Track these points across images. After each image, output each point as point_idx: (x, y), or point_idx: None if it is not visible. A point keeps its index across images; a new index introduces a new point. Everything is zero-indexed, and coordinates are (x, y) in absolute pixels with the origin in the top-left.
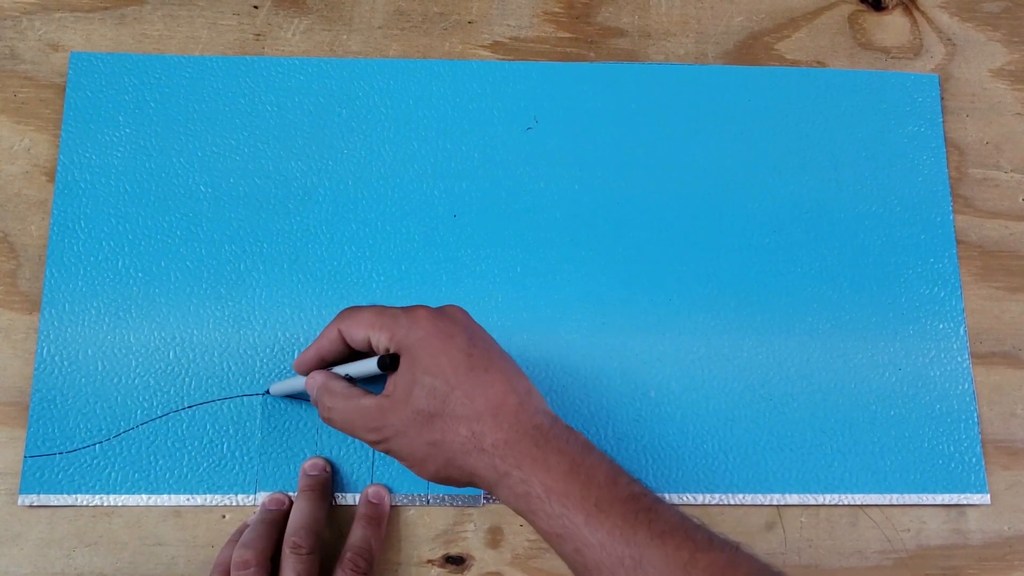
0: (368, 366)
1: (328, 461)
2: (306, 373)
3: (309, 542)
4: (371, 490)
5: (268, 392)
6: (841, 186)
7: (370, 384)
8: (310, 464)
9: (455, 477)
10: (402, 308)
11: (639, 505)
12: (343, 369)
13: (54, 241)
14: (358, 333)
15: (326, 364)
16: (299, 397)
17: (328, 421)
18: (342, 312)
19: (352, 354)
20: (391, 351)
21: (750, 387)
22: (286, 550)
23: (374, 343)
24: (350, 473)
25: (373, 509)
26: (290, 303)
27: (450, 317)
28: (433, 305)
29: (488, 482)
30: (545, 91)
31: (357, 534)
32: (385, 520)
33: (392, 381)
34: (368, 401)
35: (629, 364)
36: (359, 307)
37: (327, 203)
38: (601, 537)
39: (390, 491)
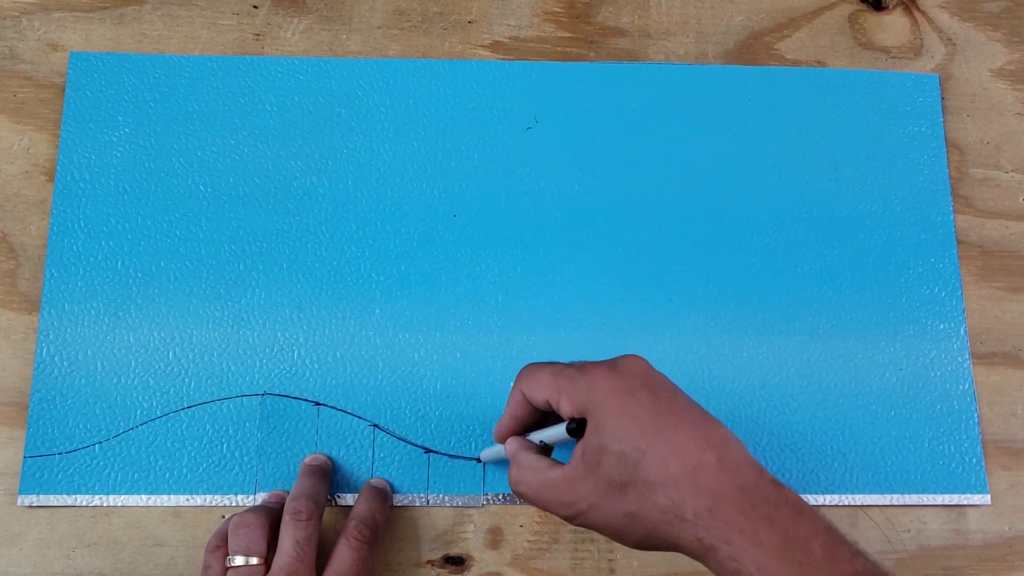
0: (559, 432)
1: (329, 458)
2: (504, 440)
3: (309, 507)
4: (373, 479)
5: (479, 460)
6: (841, 186)
7: (567, 448)
8: (310, 456)
9: (659, 546)
10: (577, 367)
11: None
12: (538, 435)
13: (53, 241)
14: (538, 396)
15: (523, 427)
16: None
17: (518, 495)
18: (522, 371)
19: (547, 413)
20: (575, 416)
21: (750, 387)
22: (286, 517)
23: (555, 406)
24: (350, 473)
25: (377, 484)
26: (290, 303)
27: (628, 371)
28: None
29: (694, 553)
30: (545, 91)
31: (362, 505)
32: (389, 498)
33: (579, 448)
34: (556, 473)
35: None
36: (537, 366)
37: (327, 203)
38: None
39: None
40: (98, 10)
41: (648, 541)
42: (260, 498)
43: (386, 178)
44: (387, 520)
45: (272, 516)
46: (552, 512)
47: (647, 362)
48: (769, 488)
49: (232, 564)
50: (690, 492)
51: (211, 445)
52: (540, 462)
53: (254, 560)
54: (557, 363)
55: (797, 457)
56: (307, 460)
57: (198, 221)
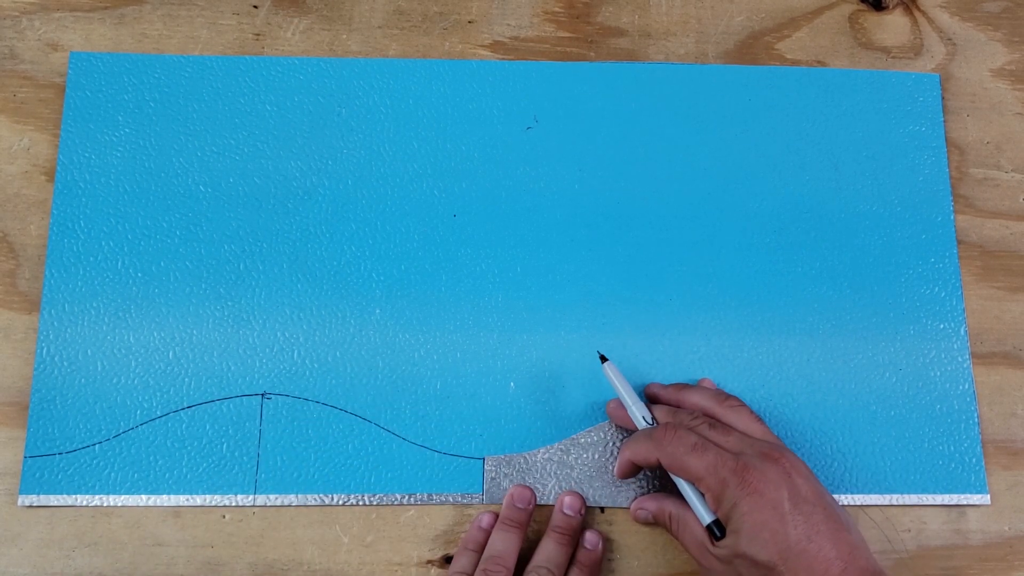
0: (697, 510)
1: (534, 494)
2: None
3: (501, 573)
4: (567, 500)
5: (604, 361)
6: (841, 186)
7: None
8: (519, 494)
9: None
10: (737, 467)
11: None
12: (682, 485)
13: (54, 241)
14: (681, 473)
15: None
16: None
17: (672, 531)
18: (673, 437)
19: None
20: (718, 517)
21: (750, 387)
22: (478, 573)
23: (696, 485)
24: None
25: (566, 522)
26: (290, 303)
27: (780, 482)
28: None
29: None
30: (545, 91)
31: (549, 548)
32: (578, 533)
33: (719, 543)
34: (704, 550)
35: (629, 364)
36: (703, 445)
37: (327, 203)
38: None
39: (584, 500)
40: (98, 10)
41: None
42: (260, 499)
43: (386, 178)
44: (567, 560)
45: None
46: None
47: (806, 472)
48: None
49: None
50: None
51: (211, 445)
52: (698, 530)
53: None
54: (719, 451)
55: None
56: (515, 496)
57: (198, 221)
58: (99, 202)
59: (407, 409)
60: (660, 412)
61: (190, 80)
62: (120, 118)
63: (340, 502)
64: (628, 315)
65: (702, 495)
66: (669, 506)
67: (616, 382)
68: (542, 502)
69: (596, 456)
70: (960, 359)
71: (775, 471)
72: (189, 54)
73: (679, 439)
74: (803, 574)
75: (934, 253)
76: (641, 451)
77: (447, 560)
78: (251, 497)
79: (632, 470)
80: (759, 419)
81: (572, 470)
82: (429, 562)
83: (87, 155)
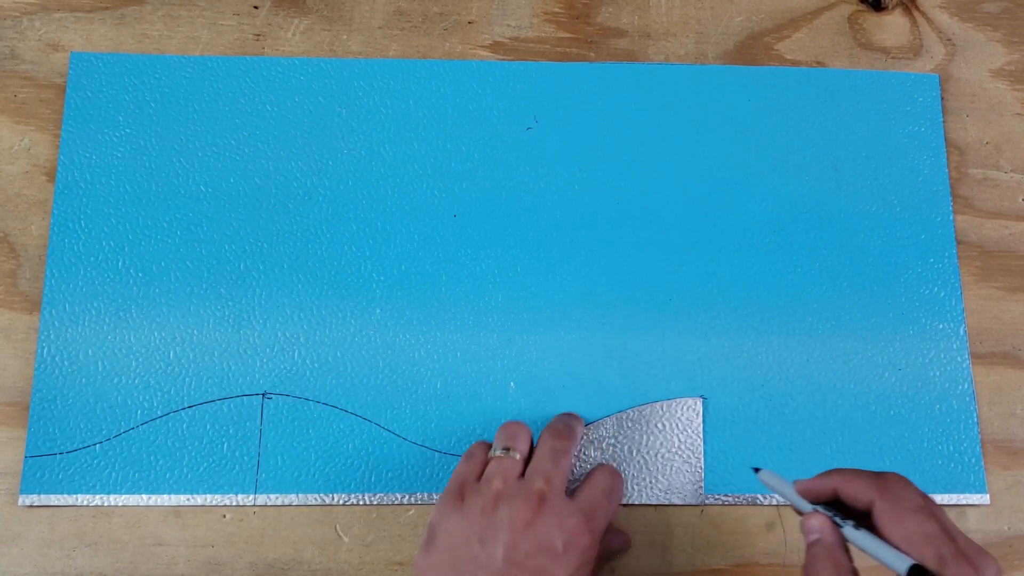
0: (893, 564)
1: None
2: (807, 499)
3: (569, 430)
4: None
5: (757, 472)
6: (841, 186)
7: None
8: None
9: None
10: (958, 552)
11: None
12: (857, 537)
13: (54, 241)
14: (909, 531)
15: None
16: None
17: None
18: (907, 487)
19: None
20: (921, 566)
21: (750, 387)
22: (545, 433)
23: (910, 552)
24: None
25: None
26: (290, 303)
27: None
28: None
29: None
30: (545, 91)
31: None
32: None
33: None
34: None
35: (629, 364)
36: (927, 509)
37: (327, 203)
38: None
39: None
40: (99, 10)
41: None
42: (261, 498)
43: (386, 178)
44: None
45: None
46: None
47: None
48: None
49: (494, 455)
50: None
51: (211, 445)
52: None
53: (516, 455)
54: (934, 517)
55: (797, 457)
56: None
57: (199, 221)
58: (100, 202)
59: (407, 409)
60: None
61: (191, 80)
62: (121, 118)
63: (340, 502)
64: (628, 315)
65: (887, 544)
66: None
67: (777, 488)
68: None
69: (598, 455)
70: (959, 359)
71: (995, 571)
72: (190, 54)
73: (908, 491)
74: None
75: (933, 253)
76: (855, 486)
77: None
78: (252, 497)
79: (826, 498)
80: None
81: (574, 465)
82: None
83: (88, 155)
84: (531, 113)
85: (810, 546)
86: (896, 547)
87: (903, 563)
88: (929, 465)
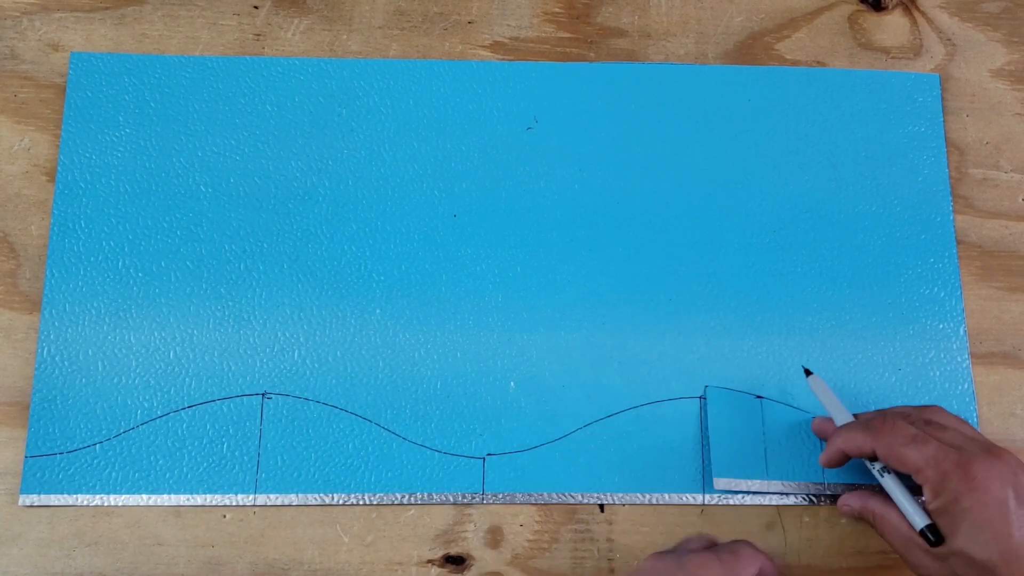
0: (912, 517)
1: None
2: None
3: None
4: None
5: (808, 375)
6: (841, 186)
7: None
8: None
9: None
10: (961, 461)
11: None
12: (887, 484)
13: (54, 241)
14: (898, 465)
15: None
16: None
17: (876, 527)
18: (884, 424)
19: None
20: (932, 516)
21: (750, 387)
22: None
23: (913, 477)
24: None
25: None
26: (290, 303)
27: (1001, 477)
28: None
29: None
30: (545, 91)
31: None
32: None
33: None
34: (913, 546)
35: (629, 364)
36: (923, 437)
37: (327, 203)
38: None
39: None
40: (99, 10)
41: None
42: (260, 498)
43: (386, 178)
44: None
45: None
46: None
47: (1015, 462)
48: None
49: None
50: None
51: (211, 445)
52: (903, 527)
53: None
54: (938, 444)
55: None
56: None
57: (199, 221)
58: (100, 202)
59: (407, 409)
60: (869, 415)
61: (191, 80)
62: (121, 118)
63: (340, 502)
64: (628, 315)
65: (911, 496)
66: (874, 504)
67: (821, 394)
68: (541, 500)
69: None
70: (959, 359)
71: (1000, 467)
72: (190, 54)
73: (897, 429)
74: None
75: (933, 253)
76: (855, 440)
77: (447, 559)
78: (251, 497)
79: (841, 459)
80: (965, 420)
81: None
82: (429, 562)
83: (88, 155)
84: (531, 113)
85: (877, 512)
86: (907, 489)
87: (920, 520)
88: None
